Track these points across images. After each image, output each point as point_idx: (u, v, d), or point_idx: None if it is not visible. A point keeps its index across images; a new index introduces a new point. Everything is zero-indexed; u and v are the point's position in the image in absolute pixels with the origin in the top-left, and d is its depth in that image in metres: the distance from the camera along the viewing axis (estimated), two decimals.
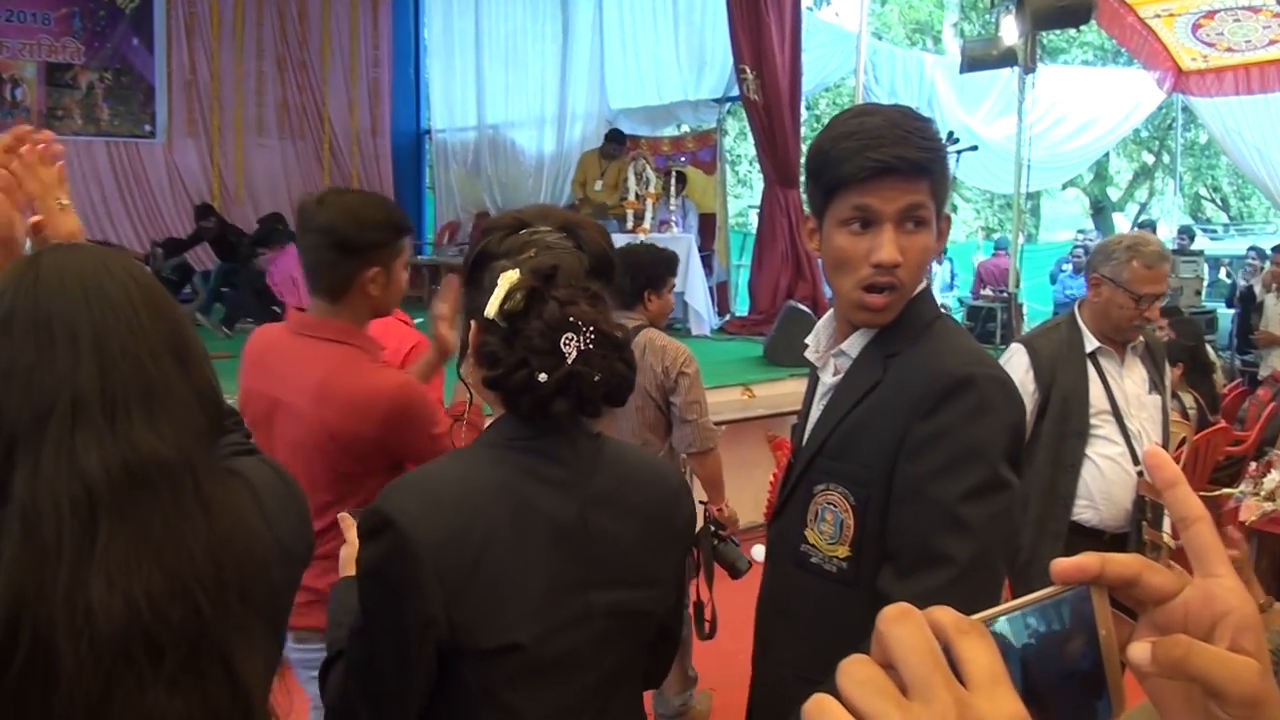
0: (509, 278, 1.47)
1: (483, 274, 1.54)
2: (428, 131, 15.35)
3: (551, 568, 1.53)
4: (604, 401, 1.53)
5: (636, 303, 3.91)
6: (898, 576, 1.60)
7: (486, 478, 1.53)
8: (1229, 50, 11.66)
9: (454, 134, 14.62)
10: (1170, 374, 6.22)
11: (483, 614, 1.48)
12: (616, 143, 11.14)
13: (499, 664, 1.51)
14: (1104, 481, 3.28)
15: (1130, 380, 3.37)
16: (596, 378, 1.48)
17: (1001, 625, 0.59)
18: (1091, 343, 3.31)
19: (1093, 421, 3.26)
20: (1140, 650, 0.61)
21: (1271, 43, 11.33)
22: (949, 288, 15.98)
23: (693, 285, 9.37)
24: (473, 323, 1.55)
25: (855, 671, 0.51)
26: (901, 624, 0.52)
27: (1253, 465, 4.89)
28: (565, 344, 1.46)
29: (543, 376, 1.44)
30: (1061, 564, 0.63)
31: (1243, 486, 4.65)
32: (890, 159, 1.63)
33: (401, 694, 1.51)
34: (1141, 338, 3.40)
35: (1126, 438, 3.29)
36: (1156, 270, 3.26)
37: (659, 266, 4.01)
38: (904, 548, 1.62)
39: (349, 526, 1.83)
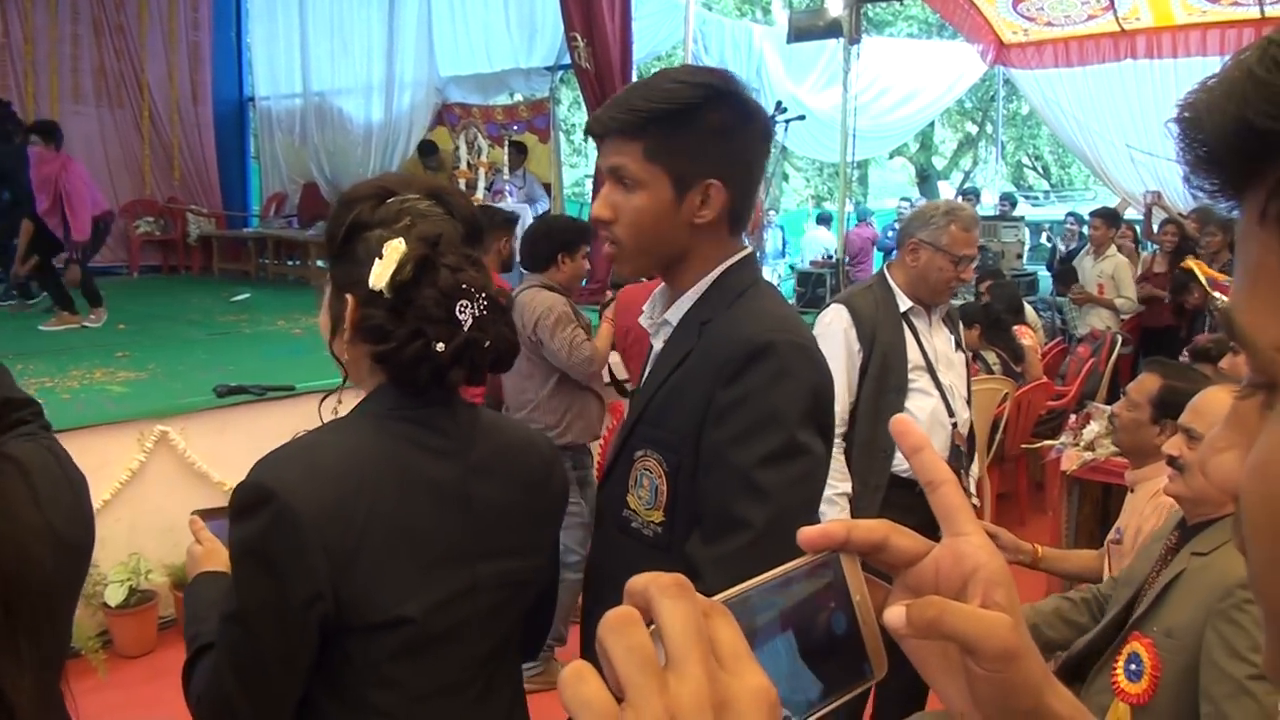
0: (395, 247, 1.42)
1: (355, 246, 1.49)
2: (251, 99, 14.79)
3: (439, 538, 1.50)
4: (491, 368, 1.52)
5: (549, 265, 4.32)
6: (702, 541, 1.63)
7: (370, 447, 1.48)
8: (1049, 25, 12.04)
9: (279, 102, 14.07)
10: (966, 334, 6.49)
11: (370, 588, 1.43)
12: (430, 155, 11.12)
13: (387, 638, 1.47)
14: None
15: (938, 339, 3.52)
16: (487, 344, 1.47)
17: (756, 596, 0.59)
18: (905, 303, 3.43)
19: (909, 376, 3.38)
20: (895, 614, 0.62)
21: (1090, 18, 11.74)
22: (780, 255, 16.24)
23: None
24: (350, 297, 1.48)
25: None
26: (620, 633, 0.50)
27: (1072, 418, 5.08)
28: (460, 311, 1.44)
29: (440, 346, 1.41)
30: (808, 532, 0.63)
31: (1063, 438, 4.83)
32: (592, 122, 1.75)
33: (285, 677, 1.45)
34: None
35: (941, 391, 3.42)
36: (972, 234, 3.43)
37: (571, 232, 4.38)
38: (708, 513, 1.64)
39: (199, 529, 1.78)
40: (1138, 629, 2.41)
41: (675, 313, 1.80)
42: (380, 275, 1.41)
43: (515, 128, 11.86)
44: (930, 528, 0.68)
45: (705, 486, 1.65)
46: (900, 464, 3.33)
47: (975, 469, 3.62)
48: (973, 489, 3.45)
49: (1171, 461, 2.58)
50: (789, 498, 1.61)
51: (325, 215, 12.47)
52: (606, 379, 4.69)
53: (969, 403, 3.58)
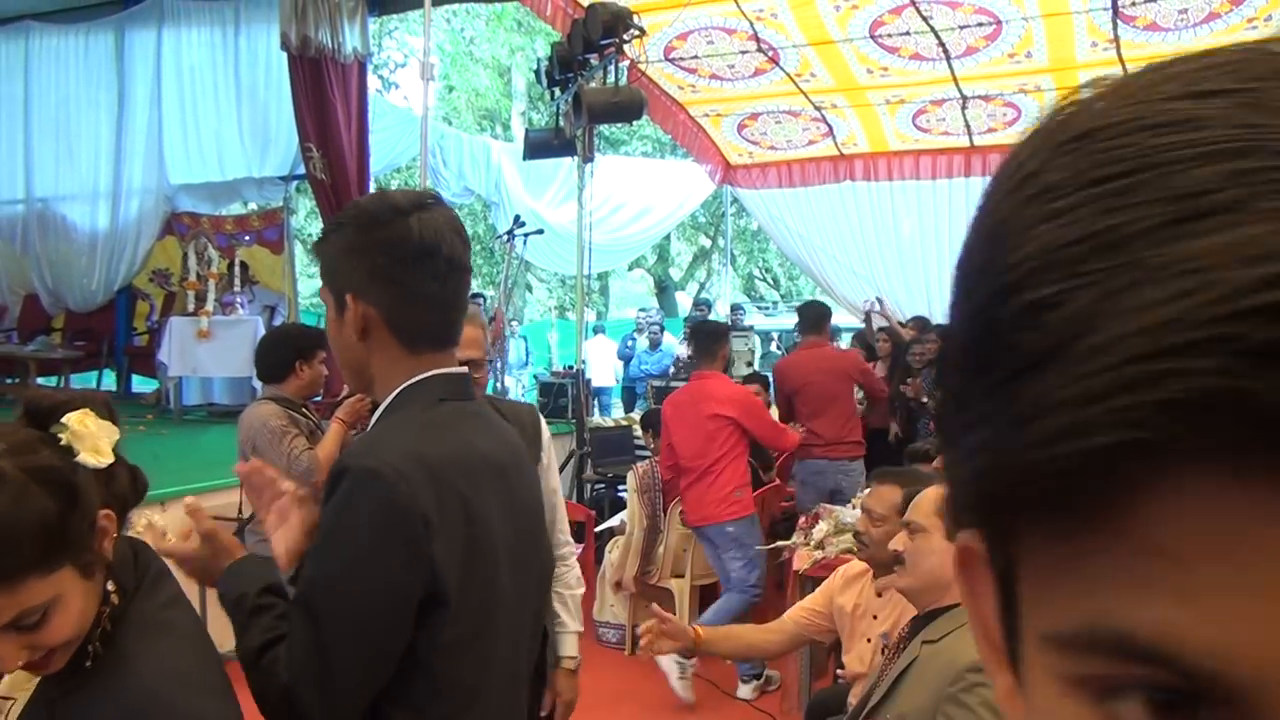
0: None
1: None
2: None
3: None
4: None
5: (288, 373, 4.27)
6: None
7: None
8: (772, 149, 12.67)
9: None
10: None
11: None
12: None
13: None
14: None
15: None
16: None
17: None
18: None
19: None
20: None
21: (810, 143, 12.42)
22: (524, 364, 16.29)
23: None
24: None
25: None
26: None
27: (802, 518, 5.25)
28: None
29: None
30: None
31: (795, 538, 4.98)
32: None
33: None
34: None
35: None
36: None
37: (306, 338, 4.39)
38: None
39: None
40: (872, 717, 2.49)
41: None
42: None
43: (246, 238, 11.53)
44: None
45: None
46: None
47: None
48: None
49: (897, 558, 2.70)
50: (330, 622, 1.58)
51: (47, 328, 11.79)
52: None
53: None
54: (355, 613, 1.56)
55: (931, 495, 2.66)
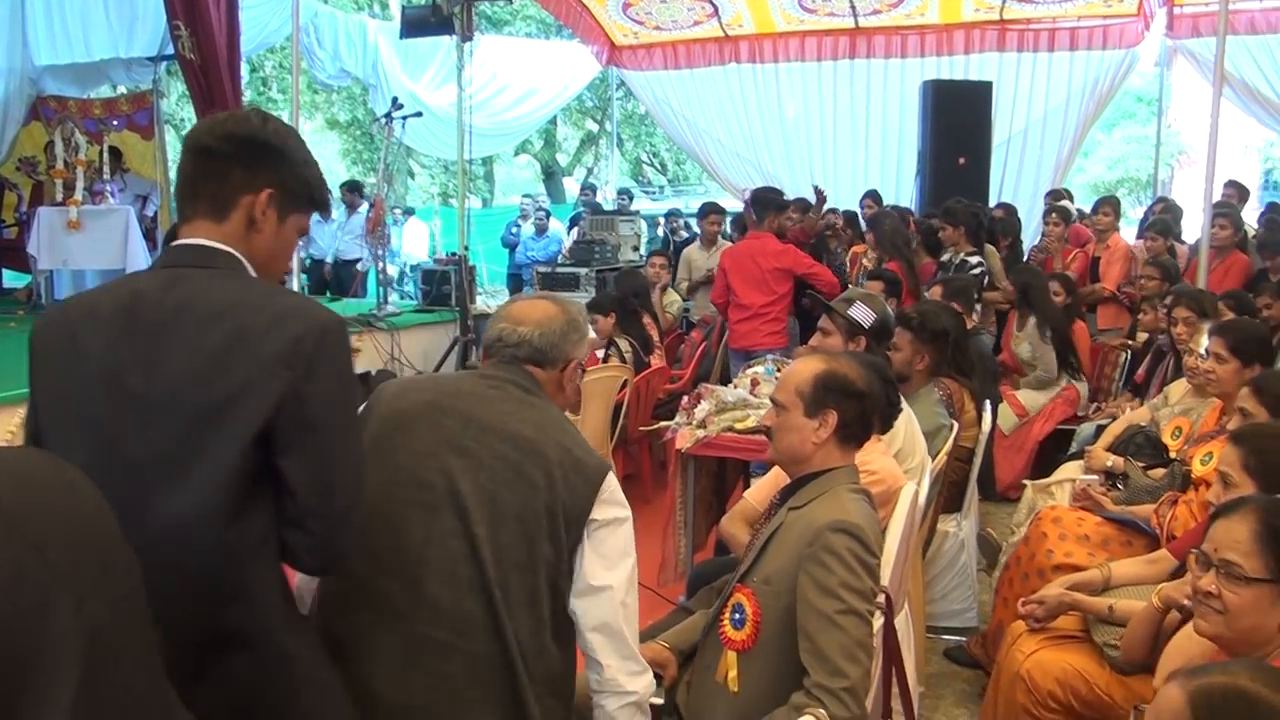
0: None
1: None
2: None
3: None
4: None
5: None
6: None
7: None
8: (658, 29, 12.56)
9: None
10: (602, 323, 6.69)
11: None
12: None
13: None
14: None
15: None
16: None
17: None
18: None
19: None
20: None
21: (696, 23, 12.34)
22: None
23: (133, 256, 8.75)
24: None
25: None
26: None
27: (684, 398, 5.33)
28: None
29: None
30: None
31: (678, 418, 5.05)
32: None
33: None
34: None
35: None
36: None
37: None
38: None
39: None
40: (741, 582, 2.59)
41: None
42: None
43: (115, 123, 11.09)
44: None
45: None
46: None
47: None
48: None
49: (766, 432, 2.79)
50: None
51: None
52: None
53: None
54: None
55: (795, 373, 2.73)
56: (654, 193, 27.39)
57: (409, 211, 17.44)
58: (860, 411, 2.69)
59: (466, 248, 9.12)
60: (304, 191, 1.99)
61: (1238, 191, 9.42)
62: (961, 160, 9.93)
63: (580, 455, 2.25)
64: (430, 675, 2.14)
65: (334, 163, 25.12)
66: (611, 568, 2.23)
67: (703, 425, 4.82)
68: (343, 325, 1.87)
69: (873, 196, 9.98)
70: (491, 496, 2.17)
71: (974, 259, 7.56)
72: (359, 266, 11.90)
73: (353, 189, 12.72)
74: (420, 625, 2.14)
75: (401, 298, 12.68)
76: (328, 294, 11.38)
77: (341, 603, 2.19)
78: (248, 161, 1.90)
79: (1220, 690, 1.42)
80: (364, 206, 12.09)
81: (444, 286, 8.67)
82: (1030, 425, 6.68)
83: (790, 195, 9.54)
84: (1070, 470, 5.04)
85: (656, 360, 7.08)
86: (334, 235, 12.23)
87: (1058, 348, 6.72)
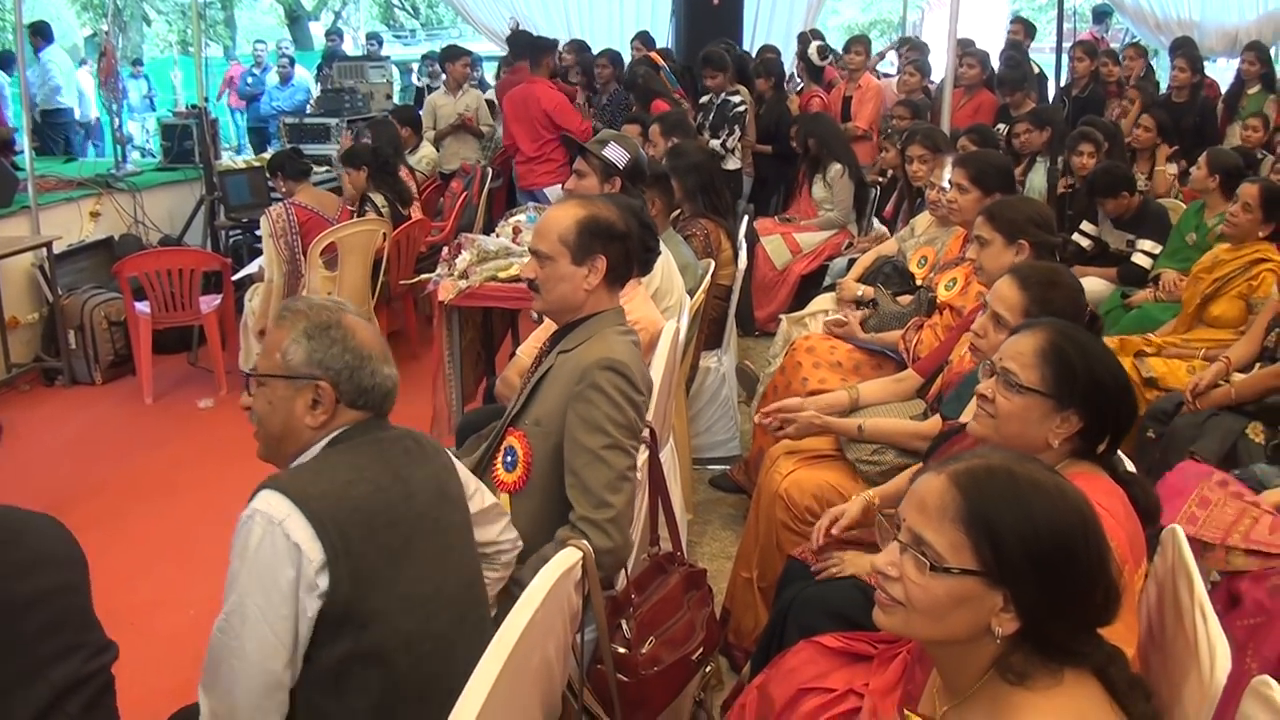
0: None
1: None
2: None
3: None
4: None
5: None
6: None
7: None
8: None
9: None
10: (355, 177, 6.51)
11: None
12: None
13: None
14: None
15: None
16: None
17: None
18: None
19: None
20: None
21: None
22: (150, 108, 15.15)
23: None
24: None
25: None
26: None
27: (445, 250, 5.28)
28: None
29: None
30: None
31: (439, 270, 5.00)
32: None
33: None
34: None
35: None
36: None
37: None
38: None
39: None
40: (512, 425, 2.63)
41: None
42: None
43: None
44: None
45: None
46: None
47: None
48: None
49: (531, 284, 2.77)
50: None
51: None
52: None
53: None
54: None
55: (555, 220, 2.70)
56: (406, 37, 26.45)
57: (137, 62, 16.25)
58: (624, 253, 2.72)
59: (206, 99, 8.64)
60: None
61: (1024, 28, 9.78)
62: (716, 1, 9.95)
63: None
64: None
65: (64, 9, 23.02)
66: None
67: (465, 276, 4.79)
68: None
69: (642, 38, 9.90)
70: None
71: (735, 98, 7.76)
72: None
73: (37, 31, 11.58)
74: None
75: (143, 155, 11.89)
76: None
77: None
78: None
79: (981, 467, 1.49)
80: (48, 49, 11.32)
81: (185, 142, 8.21)
82: (795, 263, 6.89)
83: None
84: (823, 302, 5.27)
85: (415, 212, 6.93)
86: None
87: (856, 193, 6.96)
